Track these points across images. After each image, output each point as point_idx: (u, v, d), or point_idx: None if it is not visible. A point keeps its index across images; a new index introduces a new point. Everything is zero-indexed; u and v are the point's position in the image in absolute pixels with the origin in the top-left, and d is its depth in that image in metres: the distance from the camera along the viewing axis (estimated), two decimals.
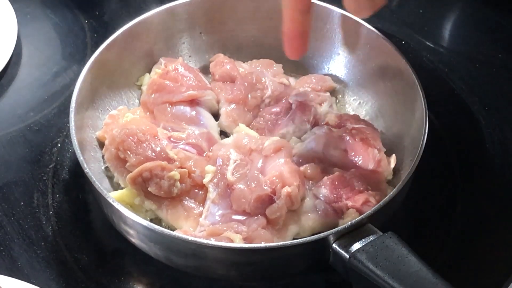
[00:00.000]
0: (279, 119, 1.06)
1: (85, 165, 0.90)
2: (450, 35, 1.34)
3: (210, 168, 0.96)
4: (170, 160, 0.95)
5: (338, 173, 0.96)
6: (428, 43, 1.29)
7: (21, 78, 1.21)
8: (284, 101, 1.08)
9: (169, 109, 1.05)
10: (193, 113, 1.05)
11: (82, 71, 1.00)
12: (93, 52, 1.03)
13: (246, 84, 1.08)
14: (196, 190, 0.96)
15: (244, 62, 1.14)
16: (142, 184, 0.94)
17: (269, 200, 0.91)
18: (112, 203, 0.87)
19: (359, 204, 0.92)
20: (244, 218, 0.92)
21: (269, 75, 1.10)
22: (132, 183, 0.94)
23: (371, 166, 0.97)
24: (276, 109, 1.07)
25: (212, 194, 0.94)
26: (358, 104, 1.13)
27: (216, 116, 1.09)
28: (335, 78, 1.13)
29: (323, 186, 0.95)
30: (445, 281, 0.77)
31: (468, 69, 1.25)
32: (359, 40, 1.10)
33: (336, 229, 0.84)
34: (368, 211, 0.86)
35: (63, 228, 1.01)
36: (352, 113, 1.11)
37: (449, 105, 1.19)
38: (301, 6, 0.87)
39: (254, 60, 1.14)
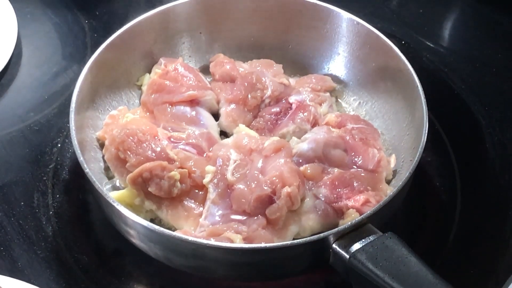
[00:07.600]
0: (279, 119, 1.06)
1: (85, 165, 0.90)
2: (450, 35, 1.34)
3: (210, 168, 0.96)
4: (170, 160, 0.95)
5: (338, 173, 0.96)
6: (428, 43, 1.29)
7: (21, 78, 1.21)
8: (284, 101, 1.08)
9: (169, 109, 1.05)
10: (193, 113, 1.05)
11: (82, 71, 1.00)
12: (93, 52, 1.03)
13: (246, 84, 1.08)
14: (196, 190, 0.96)
15: (244, 62, 1.14)
16: (142, 184, 0.94)
17: (269, 200, 0.91)
18: (112, 203, 0.87)
19: (359, 204, 0.92)
20: (244, 218, 0.92)
21: (269, 75, 1.10)
22: (132, 183, 0.94)
23: (371, 166, 0.97)
24: (276, 109, 1.07)
25: (212, 194, 0.94)
26: (358, 104, 1.13)
27: (216, 116, 1.09)
28: (335, 78, 1.13)
29: (323, 186, 0.95)
30: (445, 281, 0.77)
31: (468, 69, 1.25)
32: (359, 40, 1.10)
33: (336, 229, 0.84)
34: (368, 211, 0.86)
35: (63, 228, 1.01)
36: (352, 113, 1.11)
37: (449, 105, 1.19)
38: None
39: (254, 60, 1.14)
